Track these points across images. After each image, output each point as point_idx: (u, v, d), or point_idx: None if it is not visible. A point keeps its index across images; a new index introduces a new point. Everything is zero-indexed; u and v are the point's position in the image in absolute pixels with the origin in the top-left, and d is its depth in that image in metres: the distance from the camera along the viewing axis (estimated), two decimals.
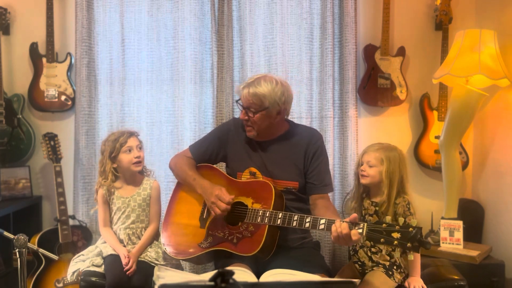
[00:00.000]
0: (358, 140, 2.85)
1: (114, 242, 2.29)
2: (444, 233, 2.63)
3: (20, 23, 2.98)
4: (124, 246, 2.29)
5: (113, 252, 2.24)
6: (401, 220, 1.70)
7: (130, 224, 2.31)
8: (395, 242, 1.66)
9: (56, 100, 2.90)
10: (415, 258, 2.08)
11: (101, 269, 2.22)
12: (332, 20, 2.83)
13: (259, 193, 2.07)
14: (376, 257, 2.11)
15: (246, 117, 2.14)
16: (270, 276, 1.75)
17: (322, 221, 1.86)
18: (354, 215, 1.78)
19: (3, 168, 2.85)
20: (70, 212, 2.77)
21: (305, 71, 2.88)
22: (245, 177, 2.21)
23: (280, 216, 1.96)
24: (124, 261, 2.17)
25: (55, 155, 2.71)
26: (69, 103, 2.91)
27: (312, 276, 1.77)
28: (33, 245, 1.88)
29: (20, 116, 2.91)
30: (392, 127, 3.02)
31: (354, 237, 1.73)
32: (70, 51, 2.94)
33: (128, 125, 2.85)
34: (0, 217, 2.61)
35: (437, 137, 2.82)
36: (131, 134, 2.36)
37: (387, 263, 2.09)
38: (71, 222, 2.73)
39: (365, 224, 1.74)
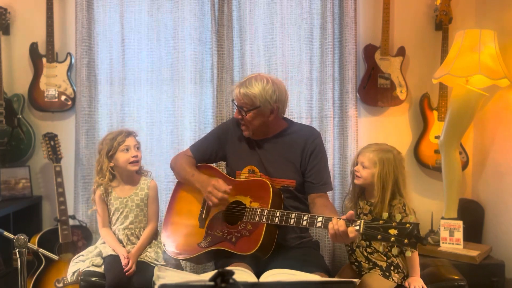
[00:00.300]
0: (358, 140, 2.85)
1: (114, 242, 2.28)
2: (444, 233, 2.63)
3: (20, 23, 2.98)
4: (123, 246, 2.29)
5: (113, 253, 2.24)
6: (398, 216, 1.70)
7: (129, 225, 2.31)
8: (392, 238, 1.66)
9: (56, 100, 2.90)
10: (414, 258, 2.07)
11: (101, 269, 2.22)
12: (332, 20, 2.83)
13: (257, 192, 2.07)
14: (373, 257, 2.11)
15: (240, 116, 2.16)
16: (270, 276, 1.75)
17: (319, 218, 1.87)
18: (351, 212, 1.79)
19: (3, 168, 2.85)
20: (70, 212, 2.77)
21: (305, 71, 2.88)
22: (244, 175, 2.22)
23: (278, 215, 1.96)
24: (123, 261, 2.17)
25: (55, 155, 2.71)
26: (69, 103, 2.91)
27: (312, 276, 1.77)
28: (33, 245, 1.87)
29: (20, 116, 2.91)
30: (392, 127, 3.03)
31: (351, 234, 1.74)
32: (70, 51, 2.94)
33: (128, 125, 2.85)
34: (0, 217, 2.61)
35: (437, 137, 2.82)
36: (129, 133, 2.36)
37: (384, 264, 2.08)
38: (71, 222, 2.73)
39: (362, 221, 1.74)
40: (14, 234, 1.80)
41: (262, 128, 2.19)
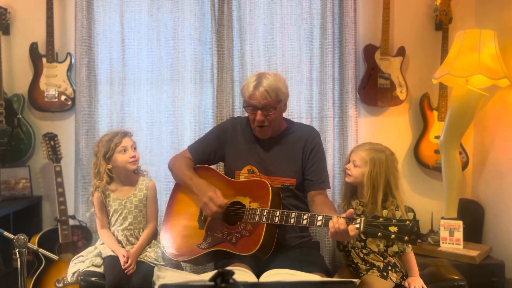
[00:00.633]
0: (358, 140, 2.85)
1: (113, 243, 2.28)
2: (444, 233, 2.63)
3: (20, 23, 2.98)
4: (123, 247, 2.28)
5: (112, 253, 2.24)
6: (398, 213, 1.70)
7: (128, 226, 2.31)
8: (393, 235, 1.66)
9: (56, 100, 2.90)
10: (410, 258, 2.08)
11: (101, 269, 2.22)
12: (332, 20, 2.83)
13: (256, 192, 2.07)
14: (369, 258, 2.10)
15: (263, 118, 2.12)
16: (270, 276, 1.75)
17: (319, 217, 1.87)
18: (351, 210, 1.79)
19: (3, 168, 2.85)
20: (70, 212, 2.77)
21: (305, 71, 2.88)
22: (243, 175, 2.22)
23: (277, 214, 1.96)
24: (123, 260, 2.17)
25: (55, 155, 2.71)
26: (69, 103, 2.91)
27: (312, 276, 1.77)
28: (33, 245, 1.88)
29: (20, 116, 2.91)
30: (392, 127, 3.03)
31: (351, 232, 1.74)
32: (70, 51, 2.94)
33: (128, 125, 2.85)
34: (0, 217, 2.61)
35: (437, 137, 2.82)
36: (125, 134, 2.34)
37: (381, 264, 2.08)
38: (71, 222, 2.73)
39: (362, 219, 1.75)
40: (14, 234, 1.80)
41: (276, 126, 2.19)
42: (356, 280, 1.49)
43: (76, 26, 2.81)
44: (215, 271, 1.06)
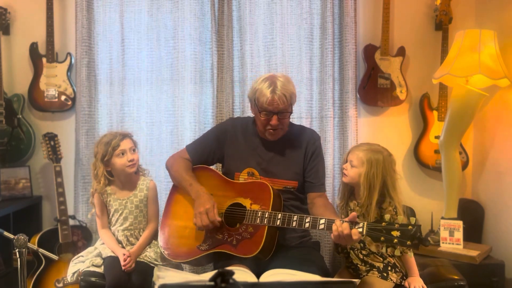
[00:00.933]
0: (358, 140, 2.85)
1: (113, 244, 2.28)
2: (444, 233, 2.63)
3: (20, 23, 2.98)
4: (123, 247, 2.28)
5: (112, 254, 2.24)
6: (400, 218, 1.70)
7: (128, 226, 2.31)
8: (395, 240, 1.67)
9: (56, 100, 2.90)
10: (409, 258, 2.07)
11: (101, 269, 2.21)
12: (332, 20, 2.83)
13: (257, 193, 2.06)
14: (369, 258, 2.10)
15: (278, 122, 2.10)
16: (270, 276, 1.75)
17: (322, 221, 1.86)
18: (354, 214, 1.79)
19: (3, 168, 2.85)
20: (70, 212, 2.77)
21: (305, 71, 2.88)
22: (243, 177, 2.21)
23: (279, 217, 1.95)
24: (122, 258, 2.16)
25: (55, 155, 2.71)
26: (69, 103, 2.91)
27: (312, 276, 1.77)
28: (33, 245, 1.88)
29: (20, 116, 2.91)
30: (392, 127, 3.03)
31: (354, 237, 1.74)
32: (70, 51, 2.94)
33: (128, 125, 2.85)
34: (0, 217, 2.61)
35: (437, 137, 2.82)
36: (124, 136, 2.31)
37: (381, 265, 2.08)
38: (71, 222, 2.73)
39: (365, 223, 1.75)
40: (14, 234, 1.80)
41: (286, 128, 2.20)
42: (356, 280, 1.48)
43: (76, 26, 2.81)
44: (215, 271, 1.06)
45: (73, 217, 2.79)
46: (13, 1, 2.96)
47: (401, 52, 2.96)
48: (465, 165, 2.94)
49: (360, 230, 1.74)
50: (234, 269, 1.26)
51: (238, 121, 2.36)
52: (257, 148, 2.23)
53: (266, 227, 1.97)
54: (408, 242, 1.65)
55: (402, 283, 2.07)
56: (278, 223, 1.95)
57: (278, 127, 2.12)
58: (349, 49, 2.84)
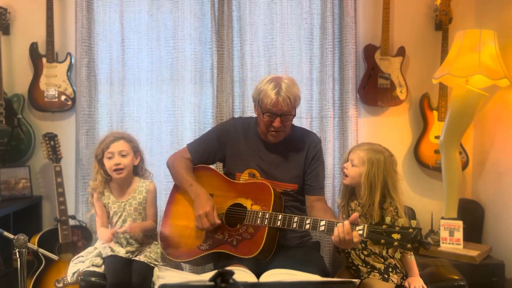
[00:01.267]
0: (358, 140, 2.85)
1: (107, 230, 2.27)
2: (444, 233, 2.63)
3: (20, 23, 2.98)
4: (123, 248, 2.27)
5: (113, 253, 2.24)
6: (401, 221, 1.70)
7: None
8: (395, 243, 1.66)
9: (56, 100, 2.90)
10: (409, 258, 2.07)
11: (101, 269, 2.21)
12: (332, 20, 2.83)
13: (258, 194, 2.06)
14: (370, 259, 2.09)
15: (281, 124, 2.09)
16: (270, 276, 1.75)
17: (322, 222, 1.86)
18: (356, 214, 1.79)
19: (3, 168, 2.85)
20: (70, 212, 2.77)
21: (305, 71, 2.88)
22: (244, 178, 2.20)
23: (280, 218, 1.95)
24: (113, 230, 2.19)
25: (55, 155, 2.71)
26: (69, 103, 2.91)
27: (312, 276, 1.77)
28: (33, 245, 1.88)
29: (20, 116, 2.91)
30: (392, 127, 3.03)
31: (355, 239, 1.74)
32: (70, 51, 2.94)
33: (128, 125, 2.86)
34: (0, 217, 2.61)
35: (437, 137, 2.82)
36: (117, 138, 2.29)
37: (382, 266, 2.07)
38: (71, 222, 2.73)
39: (366, 226, 1.74)
40: (14, 234, 1.80)
41: (288, 130, 2.19)
42: (356, 280, 1.48)
43: (76, 26, 2.81)
44: (215, 271, 1.06)
45: (73, 217, 2.79)
46: (13, 1, 2.96)
47: (401, 52, 2.96)
48: (465, 165, 2.94)
49: (361, 232, 1.74)
50: (234, 269, 1.26)
51: (240, 121, 2.36)
52: (258, 150, 2.22)
53: (267, 228, 1.97)
54: (409, 245, 1.65)
55: (403, 283, 2.07)
56: (278, 224, 1.95)
57: (280, 129, 2.11)
58: (349, 49, 2.84)
